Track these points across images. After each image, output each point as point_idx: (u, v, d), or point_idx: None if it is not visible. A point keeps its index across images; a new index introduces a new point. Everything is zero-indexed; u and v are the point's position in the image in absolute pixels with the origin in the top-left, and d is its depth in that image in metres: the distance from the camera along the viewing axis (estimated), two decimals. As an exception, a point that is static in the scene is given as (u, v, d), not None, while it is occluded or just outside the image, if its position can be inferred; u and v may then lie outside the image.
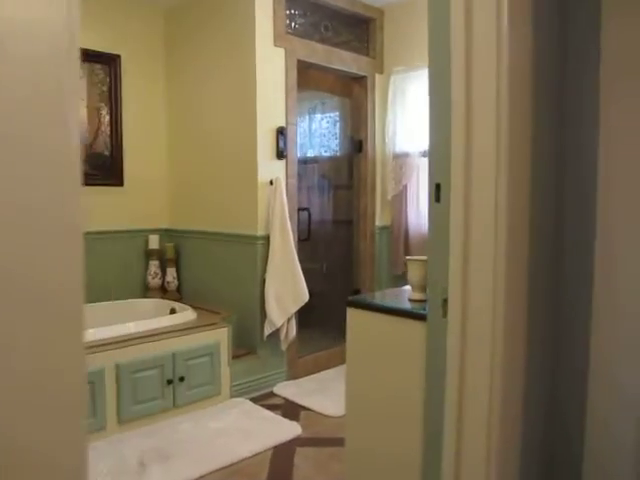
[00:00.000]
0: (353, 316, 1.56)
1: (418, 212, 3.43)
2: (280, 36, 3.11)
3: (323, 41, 3.38)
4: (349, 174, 3.83)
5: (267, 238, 3.09)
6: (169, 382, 2.72)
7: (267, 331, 3.06)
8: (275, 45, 3.10)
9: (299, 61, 3.23)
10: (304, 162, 4.15)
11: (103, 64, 3.45)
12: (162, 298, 3.57)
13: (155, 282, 3.63)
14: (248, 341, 3.19)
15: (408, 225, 3.51)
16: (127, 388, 2.58)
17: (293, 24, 3.24)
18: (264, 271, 3.08)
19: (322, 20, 3.40)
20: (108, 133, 3.49)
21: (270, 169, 3.12)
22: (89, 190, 3.39)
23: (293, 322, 3.13)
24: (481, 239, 1.10)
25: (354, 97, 3.70)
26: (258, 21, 3.01)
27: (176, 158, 3.71)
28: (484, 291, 1.09)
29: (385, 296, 1.74)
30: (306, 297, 3.10)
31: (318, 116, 4.09)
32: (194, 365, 2.82)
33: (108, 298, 3.45)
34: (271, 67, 3.09)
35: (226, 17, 3.19)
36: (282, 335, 3.11)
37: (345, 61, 3.47)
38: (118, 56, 3.49)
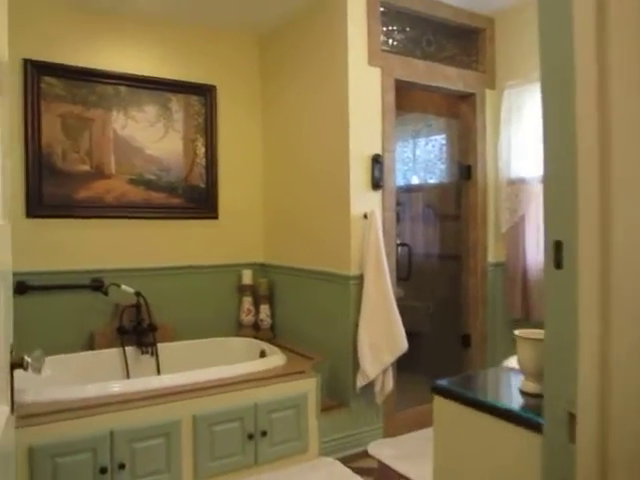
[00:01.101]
0: (440, 407, 1.18)
1: (538, 247, 2.93)
2: (375, 54, 2.83)
3: (425, 57, 3.04)
4: (457, 203, 3.41)
5: (361, 278, 2.78)
6: (250, 437, 2.47)
7: (360, 383, 2.72)
8: (370, 64, 2.82)
9: (397, 81, 2.92)
10: (407, 191, 3.81)
11: (199, 95, 3.40)
12: (255, 337, 3.39)
13: (248, 319, 3.46)
14: (339, 392, 2.87)
15: (526, 261, 3.01)
16: (205, 442, 2.37)
17: (390, 41, 2.95)
18: (357, 315, 2.76)
19: (423, 34, 3.07)
20: (203, 165, 3.42)
21: (364, 201, 2.82)
22: (184, 223, 3.33)
23: (390, 373, 2.77)
24: (628, 327, 0.71)
25: (462, 117, 3.30)
26: (351, 40, 2.76)
27: (270, 190, 3.55)
28: (636, 412, 0.70)
29: (487, 380, 1.34)
30: (404, 346, 2.72)
31: (422, 140, 3.74)
32: (278, 418, 2.56)
33: (202, 335, 3.35)
34: (365, 89, 2.81)
35: (319, 39, 2.98)
36: (377, 387, 2.75)
37: (450, 78, 3.09)
38: (213, 87, 3.43)
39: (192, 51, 3.35)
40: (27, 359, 1.04)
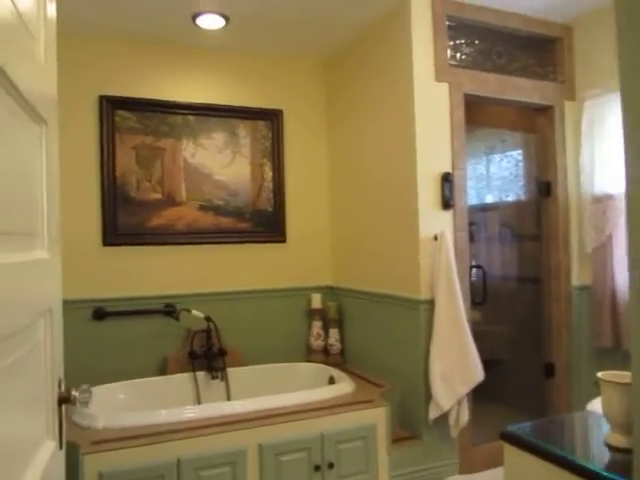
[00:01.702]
0: (512, 456, 1.05)
1: (630, 268, 2.66)
2: (443, 70, 2.73)
3: (496, 70, 2.90)
4: (536, 222, 3.20)
5: (432, 302, 2.65)
6: (317, 468, 2.39)
7: (433, 415, 2.57)
8: (437, 80, 2.72)
9: (467, 95, 2.79)
10: (482, 210, 3.64)
11: (265, 120, 3.43)
12: (324, 362, 3.32)
13: (318, 344, 3.40)
14: (411, 422, 2.73)
15: (615, 285, 2.74)
16: (270, 472, 2.31)
17: (458, 55, 2.83)
18: (429, 341, 2.62)
19: (494, 46, 2.92)
20: (271, 189, 3.44)
21: (434, 222, 2.70)
22: (253, 247, 3.34)
23: (465, 405, 2.59)
24: None
25: (539, 131, 3.10)
26: (416, 56, 2.67)
27: (338, 211, 3.50)
28: None
29: (566, 428, 1.18)
30: (480, 377, 2.54)
31: (497, 156, 3.56)
32: (346, 450, 2.46)
33: (272, 359, 3.32)
34: (433, 106, 2.71)
35: (383, 58, 2.92)
36: (451, 420, 2.59)
37: (524, 90, 2.92)
38: (280, 111, 3.45)
39: (258, 77, 3.39)
40: (74, 393, 1.03)
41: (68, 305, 2.93)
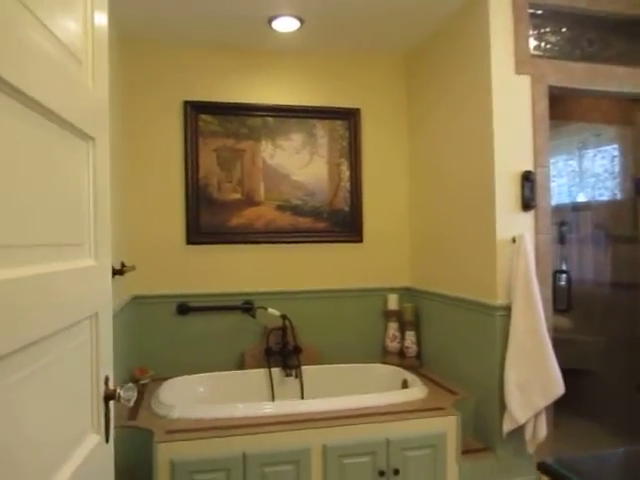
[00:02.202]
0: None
1: None
2: (524, 61, 2.57)
3: (585, 59, 2.68)
4: (632, 223, 2.93)
5: (509, 308, 2.51)
6: (381, 474, 2.36)
7: (507, 428, 2.44)
8: (517, 73, 2.57)
9: (551, 88, 2.61)
10: (574, 209, 3.39)
11: (343, 120, 3.43)
12: (400, 364, 3.27)
13: (393, 346, 3.36)
14: (484, 433, 2.62)
15: None
16: (334, 474, 2.32)
17: (542, 44, 2.65)
18: (504, 349, 2.50)
19: (584, 33, 2.70)
20: (348, 188, 3.43)
21: (513, 224, 2.56)
22: (329, 247, 3.37)
23: (543, 419, 2.43)
24: None
25: (637, 124, 2.83)
26: (494, 48, 2.54)
27: (416, 211, 3.42)
28: None
29: (616, 465, 1.03)
30: (560, 391, 2.37)
31: (591, 152, 3.30)
32: (413, 457, 2.41)
33: (347, 359, 3.34)
34: (512, 100, 2.56)
35: (463, 51, 2.80)
36: (527, 434, 2.44)
37: (618, 79, 2.67)
38: (357, 110, 3.43)
39: (334, 77, 3.40)
40: (119, 391, 1.10)
41: (156, 299, 3.15)
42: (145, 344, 3.10)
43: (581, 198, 3.32)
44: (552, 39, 2.67)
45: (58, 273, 0.91)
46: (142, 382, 2.91)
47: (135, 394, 1.11)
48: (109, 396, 1.10)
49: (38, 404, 0.82)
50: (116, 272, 2.45)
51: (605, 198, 3.19)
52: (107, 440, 1.11)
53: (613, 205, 3.15)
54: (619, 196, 3.09)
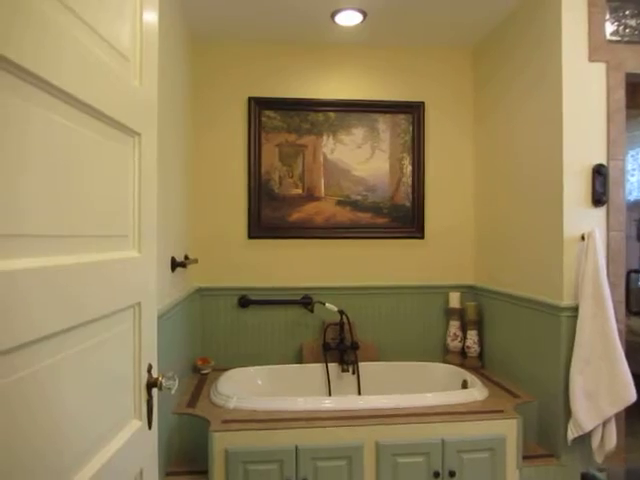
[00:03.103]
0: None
1: None
2: (598, 48, 2.41)
3: (669, 42, 2.47)
4: None
5: (576, 309, 2.37)
6: (436, 475, 2.30)
7: (572, 434, 2.31)
8: (591, 60, 2.41)
9: (629, 75, 2.43)
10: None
11: (406, 114, 3.37)
12: (461, 364, 3.19)
13: (455, 345, 3.27)
14: (548, 439, 2.49)
15: None
16: (387, 472, 2.29)
17: (620, 29, 2.47)
18: (570, 352, 2.36)
19: (668, 14, 2.50)
20: (409, 184, 3.37)
21: (582, 220, 2.41)
22: (389, 243, 3.33)
23: (612, 427, 2.28)
24: None
25: None
26: (566, 34, 2.40)
27: (482, 207, 3.31)
28: None
29: None
30: (631, 398, 2.22)
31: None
32: (470, 460, 2.33)
33: (406, 357, 3.30)
34: (584, 89, 2.41)
35: (532, 40, 2.67)
36: (595, 442, 2.30)
37: None
38: (421, 103, 3.36)
39: (398, 70, 3.34)
40: (161, 379, 1.13)
41: (218, 292, 3.24)
42: (207, 335, 3.20)
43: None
44: (632, 22, 2.48)
45: (101, 262, 0.95)
46: (203, 372, 3.01)
47: (176, 383, 1.14)
48: (151, 384, 1.14)
49: (79, 386, 0.86)
50: (179, 264, 2.53)
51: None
52: (149, 426, 1.15)
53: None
54: None
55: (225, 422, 2.29)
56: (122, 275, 1.03)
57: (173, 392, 1.12)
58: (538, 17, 2.60)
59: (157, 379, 1.14)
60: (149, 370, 1.15)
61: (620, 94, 2.42)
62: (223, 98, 3.24)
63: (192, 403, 2.53)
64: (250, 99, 3.24)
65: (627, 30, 2.49)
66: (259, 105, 3.25)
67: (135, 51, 1.13)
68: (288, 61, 3.28)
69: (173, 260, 2.48)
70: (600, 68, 2.42)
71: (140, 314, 1.11)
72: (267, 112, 3.27)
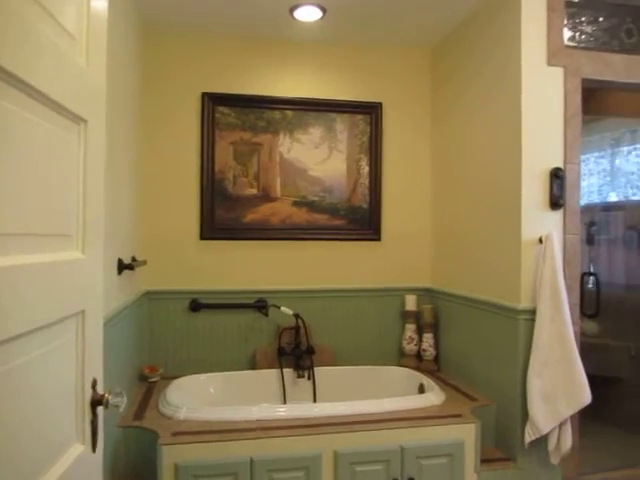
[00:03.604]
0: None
1: None
2: (557, 52, 2.43)
3: (624, 50, 2.52)
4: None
5: (533, 312, 2.38)
6: (396, 483, 2.25)
7: (529, 437, 2.30)
8: (549, 64, 2.43)
9: (585, 80, 2.46)
10: (605, 209, 3.23)
11: (364, 114, 3.31)
12: (417, 367, 3.16)
13: (410, 348, 3.24)
14: (505, 443, 2.49)
15: None
16: (346, 482, 2.22)
17: (577, 35, 2.50)
18: (528, 355, 2.36)
19: (622, 23, 2.55)
20: (367, 185, 3.32)
21: (540, 223, 2.42)
22: (346, 245, 3.26)
23: (568, 429, 2.29)
24: None
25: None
26: (525, 38, 2.40)
27: (439, 209, 3.30)
28: None
29: None
30: (586, 399, 2.23)
31: (625, 149, 3.13)
32: (429, 466, 2.29)
33: (362, 360, 3.24)
34: (543, 93, 2.42)
35: (491, 42, 2.67)
36: (551, 444, 2.31)
37: (658, 72, 2.52)
38: (379, 104, 3.31)
39: (356, 69, 3.29)
40: (107, 396, 1.01)
41: (167, 295, 3.08)
42: (155, 341, 3.04)
43: (612, 198, 3.16)
44: (588, 29, 2.52)
45: (39, 265, 0.82)
46: (151, 380, 2.85)
47: (125, 400, 1.02)
48: (96, 401, 1.01)
49: (8, 411, 0.74)
50: (126, 266, 2.38)
51: (639, 198, 3.02)
52: (94, 449, 1.02)
53: (648, 206, 2.99)
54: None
55: (175, 434, 2.15)
56: (64, 280, 0.91)
57: (121, 410, 1.00)
58: (498, 19, 2.61)
59: (103, 396, 1.02)
60: (94, 386, 1.02)
61: (577, 99, 2.44)
62: (176, 92, 3.09)
63: (139, 415, 2.37)
64: (204, 94, 3.11)
65: (583, 36, 2.52)
66: (213, 101, 3.12)
67: (82, 28, 1.01)
68: (245, 56, 3.16)
69: (120, 262, 2.32)
70: (558, 72, 2.44)
71: (84, 323, 0.98)
72: (221, 108, 3.14)
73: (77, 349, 0.97)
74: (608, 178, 3.17)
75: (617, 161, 3.10)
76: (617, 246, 3.14)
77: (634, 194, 3.05)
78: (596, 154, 3.22)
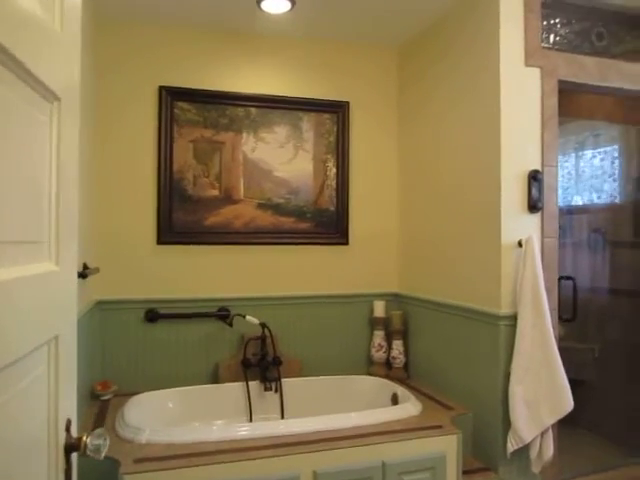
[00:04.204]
0: None
1: None
2: (534, 53, 2.38)
3: (595, 53, 2.52)
4: (634, 227, 2.79)
5: (514, 318, 2.32)
6: (378, 501, 2.12)
7: (511, 446, 2.23)
8: (527, 65, 2.38)
9: (561, 82, 2.44)
10: (569, 213, 3.24)
11: (331, 113, 3.18)
12: (386, 375, 3.05)
13: (379, 356, 3.13)
14: (485, 451, 2.41)
15: None
16: (327, 504, 2.07)
17: (552, 36, 2.48)
18: (509, 362, 2.30)
19: (594, 27, 2.54)
20: (334, 187, 3.19)
21: (519, 226, 2.37)
22: (313, 249, 3.12)
23: (550, 436, 2.24)
24: None
25: (643, 123, 2.69)
26: (504, 38, 2.35)
27: (408, 213, 3.21)
28: None
29: None
30: (569, 406, 2.18)
31: (588, 153, 3.15)
32: (411, 482, 2.18)
33: (330, 370, 3.10)
34: (521, 93, 2.37)
35: (467, 41, 2.60)
36: (533, 453, 2.25)
37: (630, 76, 2.53)
38: (346, 103, 3.19)
39: (324, 67, 3.15)
40: (85, 439, 0.82)
41: (122, 305, 2.83)
42: (108, 355, 2.78)
43: (577, 201, 3.17)
44: (562, 31, 2.50)
45: (2, 283, 0.63)
46: (103, 398, 2.60)
47: (107, 442, 0.83)
48: (71, 446, 0.82)
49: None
50: (78, 275, 2.13)
51: (603, 201, 3.05)
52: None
53: (612, 209, 3.01)
54: (618, 199, 2.96)
55: (138, 461, 1.93)
56: (33, 299, 0.71)
57: (102, 457, 0.82)
58: (474, 18, 2.54)
59: (80, 439, 0.83)
60: (68, 428, 0.83)
61: (554, 100, 2.41)
62: (131, 86, 2.85)
63: (95, 439, 2.13)
64: (161, 88, 2.88)
65: (558, 38, 2.50)
66: (171, 95, 2.90)
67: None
68: (206, 48, 2.96)
69: (73, 270, 2.07)
70: (535, 73, 2.40)
71: (57, 352, 0.79)
72: (180, 104, 2.93)
73: (50, 385, 0.77)
74: (572, 181, 3.18)
75: (581, 164, 3.11)
76: (582, 249, 3.15)
77: (598, 197, 3.07)
78: (560, 157, 3.22)
